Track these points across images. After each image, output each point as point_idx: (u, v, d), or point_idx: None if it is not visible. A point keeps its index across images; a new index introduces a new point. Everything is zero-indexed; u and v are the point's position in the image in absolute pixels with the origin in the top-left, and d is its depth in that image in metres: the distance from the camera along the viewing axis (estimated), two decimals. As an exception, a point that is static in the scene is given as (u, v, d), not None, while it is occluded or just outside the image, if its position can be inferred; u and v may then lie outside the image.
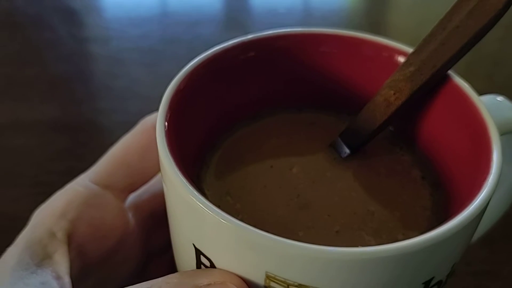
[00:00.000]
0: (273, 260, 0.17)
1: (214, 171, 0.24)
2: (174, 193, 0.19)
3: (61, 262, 0.22)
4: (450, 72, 0.23)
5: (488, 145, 0.20)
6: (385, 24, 0.62)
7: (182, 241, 0.20)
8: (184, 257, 0.21)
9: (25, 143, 0.43)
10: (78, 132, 0.44)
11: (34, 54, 0.54)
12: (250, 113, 0.26)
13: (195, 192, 0.18)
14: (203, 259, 0.19)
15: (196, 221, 0.18)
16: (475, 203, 0.18)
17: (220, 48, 0.24)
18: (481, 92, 0.25)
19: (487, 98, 0.25)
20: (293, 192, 0.23)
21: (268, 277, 0.17)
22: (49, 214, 0.23)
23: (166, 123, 0.20)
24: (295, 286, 0.17)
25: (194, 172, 0.24)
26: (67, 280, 0.21)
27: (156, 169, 0.26)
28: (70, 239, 0.23)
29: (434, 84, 0.23)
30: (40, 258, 0.22)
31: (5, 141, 0.44)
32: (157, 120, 0.20)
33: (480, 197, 0.18)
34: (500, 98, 0.26)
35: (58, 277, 0.21)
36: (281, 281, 0.17)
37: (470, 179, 0.21)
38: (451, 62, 0.22)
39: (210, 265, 0.19)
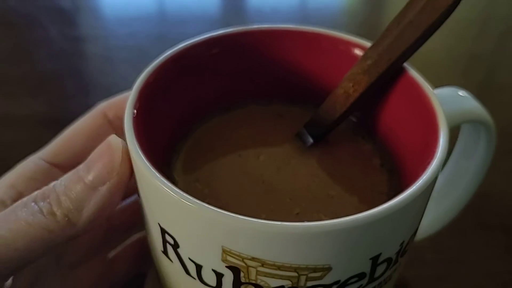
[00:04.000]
0: (227, 235, 0.18)
1: (184, 159, 0.25)
2: (139, 175, 0.20)
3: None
4: (406, 65, 0.25)
5: (436, 134, 0.22)
6: (380, 26, 0.63)
7: (149, 221, 0.22)
8: (153, 235, 0.22)
9: (14, 137, 0.44)
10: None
11: (25, 52, 0.55)
12: (221, 105, 0.28)
13: (157, 173, 0.19)
14: (167, 237, 0.20)
15: (159, 201, 0.20)
16: (414, 187, 0.19)
17: (189, 43, 0.25)
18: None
19: (448, 90, 0.27)
20: (259, 178, 0.24)
21: (224, 251, 0.19)
22: (2, 185, 0.25)
23: (135, 111, 0.21)
24: (249, 259, 0.18)
25: (165, 160, 0.25)
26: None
27: None
28: None
29: (391, 76, 0.25)
30: None
31: (-4, 135, 0.45)
32: (126, 107, 0.21)
33: (420, 181, 0.19)
34: (461, 92, 0.27)
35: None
36: (236, 254, 0.19)
37: (421, 166, 0.22)
38: (405, 55, 0.24)
39: (174, 243, 0.20)
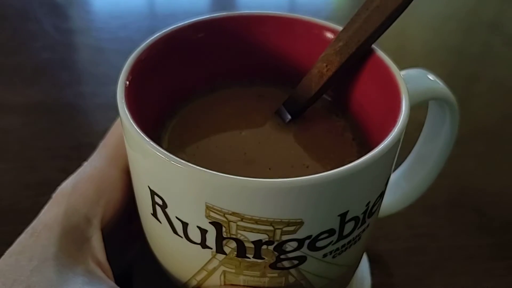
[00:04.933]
0: (210, 192, 0.20)
1: (170, 134, 0.28)
2: (129, 141, 0.23)
3: (99, 247, 0.24)
4: (374, 47, 0.27)
5: (398, 106, 0.24)
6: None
7: (140, 186, 0.24)
8: (143, 199, 0.24)
9: (10, 123, 0.46)
10: (59, 113, 0.48)
11: (21, 44, 0.57)
12: (205, 87, 0.30)
13: (146, 138, 0.21)
14: (156, 199, 0.23)
15: (149, 164, 0.22)
16: (377, 149, 0.21)
17: (177, 26, 0.27)
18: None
19: (415, 71, 0.29)
20: (241, 151, 0.27)
21: (207, 207, 0.21)
22: (82, 201, 0.24)
23: (127, 82, 0.23)
24: (230, 214, 0.21)
25: (152, 136, 0.27)
26: (107, 266, 0.24)
27: None
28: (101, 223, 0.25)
29: (361, 57, 0.27)
30: (79, 244, 0.23)
31: (-8, 122, 0.47)
32: (119, 79, 0.23)
33: (382, 145, 0.22)
34: (428, 73, 0.30)
35: (99, 263, 0.23)
36: (218, 210, 0.21)
37: (385, 135, 0.24)
38: (373, 37, 0.26)
39: (162, 203, 0.22)
